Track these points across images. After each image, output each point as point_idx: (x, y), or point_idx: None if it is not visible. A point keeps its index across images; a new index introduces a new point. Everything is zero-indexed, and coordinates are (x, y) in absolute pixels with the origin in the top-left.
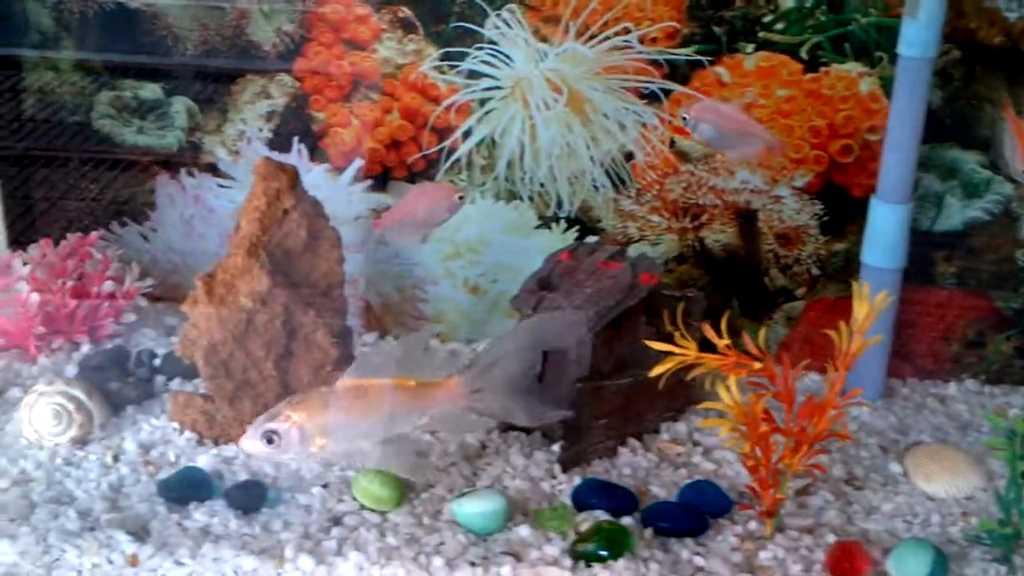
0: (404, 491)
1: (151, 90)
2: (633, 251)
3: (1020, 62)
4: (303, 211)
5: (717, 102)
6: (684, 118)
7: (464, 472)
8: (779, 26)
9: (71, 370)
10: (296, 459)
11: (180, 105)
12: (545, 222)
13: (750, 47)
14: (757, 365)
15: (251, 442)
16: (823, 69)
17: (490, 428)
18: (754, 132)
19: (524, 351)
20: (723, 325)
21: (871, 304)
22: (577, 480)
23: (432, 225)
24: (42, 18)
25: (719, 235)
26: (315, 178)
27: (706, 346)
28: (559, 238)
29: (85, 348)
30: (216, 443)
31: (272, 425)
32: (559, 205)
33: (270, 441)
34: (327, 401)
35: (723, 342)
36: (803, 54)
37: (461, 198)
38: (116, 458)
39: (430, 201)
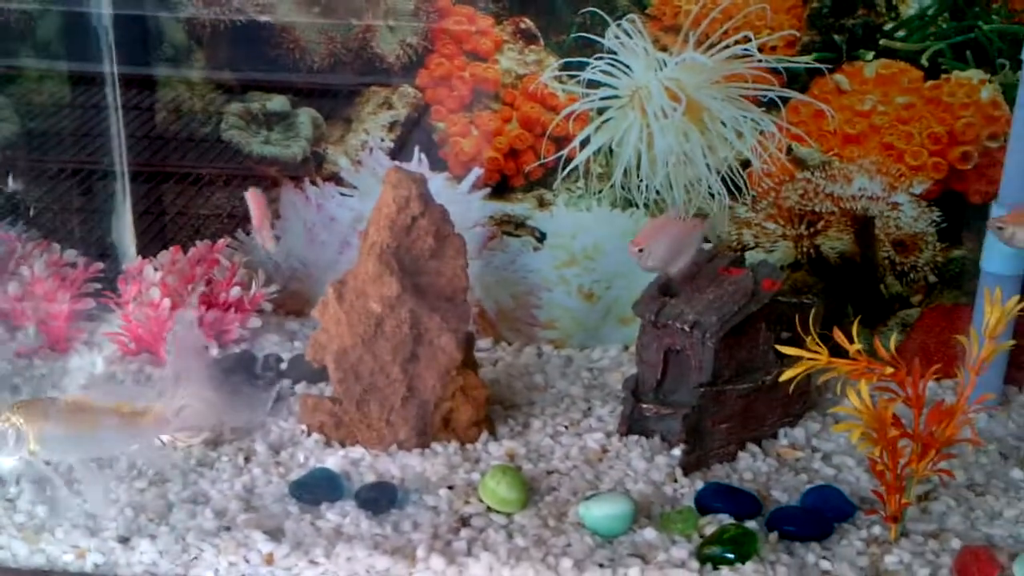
0: (529, 494)
1: (279, 102)
2: (749, 258)
3: None
4: (431, 218)
5: (656, 224)
6: (640, 249)
7: (586, 475)
8: (900, 33)
9: None
10: (10, 459)
11: (306, 116)
12: None
13: (870, 55)
14: (889, 370)
15: None
16: (944, 76)
17: (610, 432)
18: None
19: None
20: (854, 330)
21: (1003, 309)
22: (698, 484)
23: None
24: (176, 33)
25: (835, 242)
26: (435, 187)
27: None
28: None
29: (213, 352)
30: (343, 445)
31: None
32: None
33: None
34: (48, 411)
35: (855, 347)
36: (924, 61)
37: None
38: (247, 459)
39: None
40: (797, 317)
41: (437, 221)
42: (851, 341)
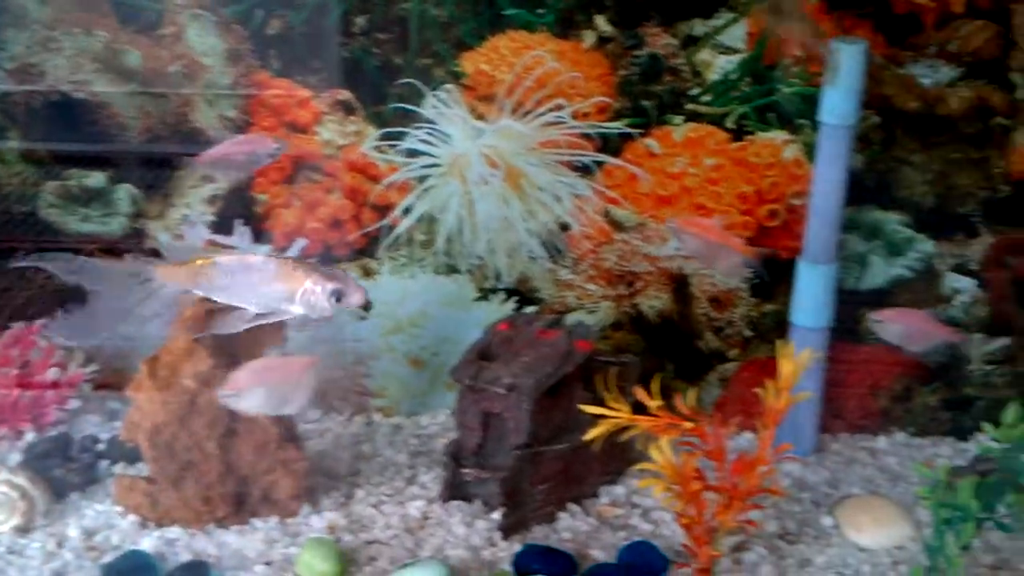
0: (346, 564)
1: (96, 178)
2: (571, 320)
3: (935, 126)
4: None
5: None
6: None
7: (406, 544)
8: (706, 98)
9: (15, 458)
10: None
11: (123, 192)
12: (484, 294)
13: (678, 119)
14: (688, 425)
15: None
16: (748, 138)
17: (432, 499)
18: None
19: None
20: (654, 387)
21: (796, 361)
22: (518, 547)
23: (248, 169)
24: None
25: (654, 301)
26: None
27: (642, 409)
28: (498, 309)
29: (30, 436)
30: (159, 525)
31: None
32: (498, 277)
33: None
34: None
35: (655, 403)
36: (729, 124)
37: (278, 149)
38: (60, 544)
39: (249, 148)
40: (616, 376)
41: None
42: (655, 397)
